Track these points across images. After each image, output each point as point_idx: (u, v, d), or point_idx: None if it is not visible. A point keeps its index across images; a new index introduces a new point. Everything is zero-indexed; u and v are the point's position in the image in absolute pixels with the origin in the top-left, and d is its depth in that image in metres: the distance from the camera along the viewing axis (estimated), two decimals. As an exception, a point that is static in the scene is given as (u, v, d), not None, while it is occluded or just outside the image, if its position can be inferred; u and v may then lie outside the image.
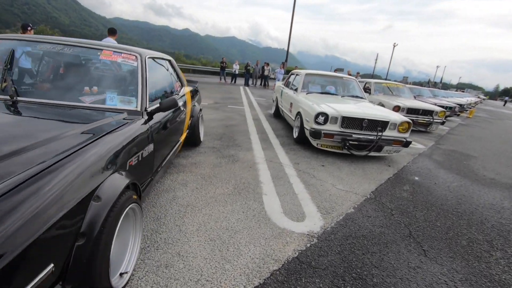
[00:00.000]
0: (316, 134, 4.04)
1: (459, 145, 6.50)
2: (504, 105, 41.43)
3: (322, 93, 5.49)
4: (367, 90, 9.17)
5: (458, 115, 12.28)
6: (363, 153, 4.17)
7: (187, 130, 3.46)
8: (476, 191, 3.54)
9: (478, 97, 36.57)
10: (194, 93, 3.85)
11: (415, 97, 10.22)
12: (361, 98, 5.51)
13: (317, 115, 4.09)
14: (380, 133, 4.13)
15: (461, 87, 73.23)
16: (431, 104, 11.28)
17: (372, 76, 47.73)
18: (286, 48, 23.89)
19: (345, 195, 2.93)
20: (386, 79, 35.59)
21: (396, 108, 7.45)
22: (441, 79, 46.94)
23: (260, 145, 4.44)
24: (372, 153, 4.26)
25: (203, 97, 10.42)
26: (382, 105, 7.72)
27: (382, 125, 4.19)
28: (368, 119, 4.12)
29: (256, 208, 2.43)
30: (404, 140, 4.21)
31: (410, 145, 5.48)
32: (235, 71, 19.04)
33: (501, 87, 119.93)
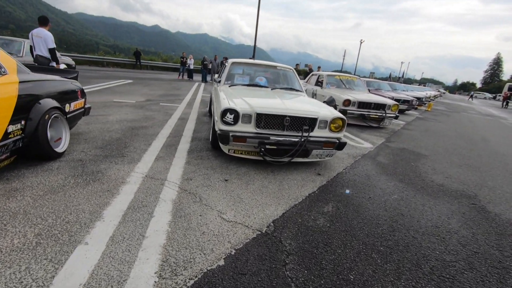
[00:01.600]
0: (223, 137, 3.05)
1: (411, 142, 5.87)
2: (470, 99, 41.65)
3: (249, 85, 4.53)
4: (319, 83, 8.43)
5: (416, 108, 12.01)
6: (284, 160, 3.26)
7: (18, 137, 2.33)
8: (418, 207, 2.74)
9: (438, 91, 38.06)
10: (33, 86, 2.66)
11: (370, 91, 9.65)
12: (297, 91, 4.63)
13: (223, 112, 3.10)
14: (306, 134, 3.23)
15: (424, 81, 76.79)
16: (386, 97, 10.86)
17: (341, 72, 48.25)
18: (258, 45, 23.03)
19: (227, 233, 1.95)
20: (354, 75, 35.94)
21: (347, 102, 6.72)
22: (403, 73, 48.63)
23: (157, 153, 3.38)
24: (298, 159, 3.36)
25: (140, 94, 9.14)
26: (332, 99, 6.99)
27: (310, 122, 3.29)
28: (290, 116, 3.20)
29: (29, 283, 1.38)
30: (337, 141, 3.35)
31: (357, 144, 4.66)
32: (188, 66, 17.72)
33: (459, 82, 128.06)
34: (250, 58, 21.04)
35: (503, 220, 2.63)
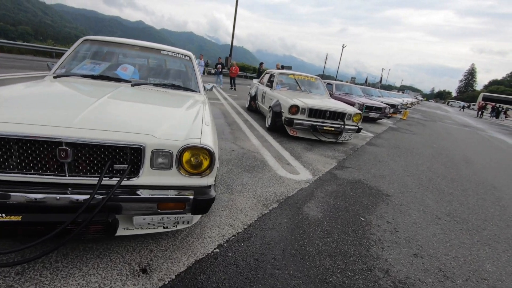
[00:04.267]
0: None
1: (373, 167, 4.24)
2: (462, 110, 41.39)
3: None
4: (270, 83, 6.73)
5: (389, 117, 10.61)
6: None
7: None
8: None
9: (416, 98, 37.81)
10: None
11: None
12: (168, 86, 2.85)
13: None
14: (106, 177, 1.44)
15: (403, 88, 77.90)
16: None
17: (322, 76, 47.36)
18: (244, 46, 21.89)
19: None
20: (335, 79, 34.71)
21: (294, 109, 5.02)
22: (381, 79, 48.28)
23: None
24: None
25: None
26: (278, 104, 5.31)
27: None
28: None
29: None
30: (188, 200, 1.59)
31: (289, 175, 2.94)
32: (147, 60, 15.62)
33: (436, 90, 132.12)
34: (226, 57, 19.34)
35: None
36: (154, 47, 3.08)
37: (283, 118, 5.15)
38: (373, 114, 9.42)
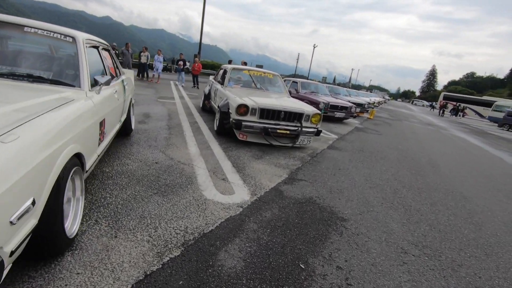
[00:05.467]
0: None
1: (331, 177, 3.58)
2: (431, 110, 39.33)
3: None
4: (222, 80, 5.92)
5: (355, 116, 10.24)
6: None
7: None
8: None
9: (383, 97, 38.97)
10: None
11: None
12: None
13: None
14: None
15: (371, 88, 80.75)
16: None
17: (294, 75, 47.31)
18: (218, 45, 20.71)
19: None
20: (308, 79, 34.47)
21: (242, 109, 4.25)
22: (350, 79, 49.49)
23: None
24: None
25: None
26: (226, 104, 4.53)
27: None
28: None
29: None
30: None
31: (220, 197, 2.08)
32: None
33: (401, 90, 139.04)
34: (195, 55, 18.24)
35: None
36: (14, 22, 2.12)
37: (230, 120, 4.36)
38: (338, 114, 8.94)
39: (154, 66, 14.18)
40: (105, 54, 3.07)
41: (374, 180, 3.74)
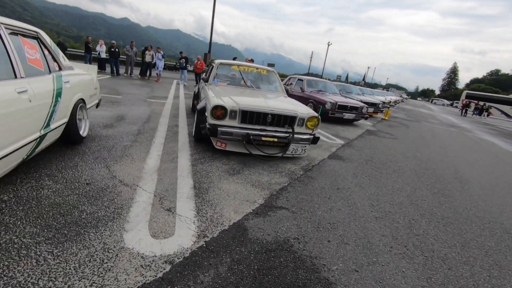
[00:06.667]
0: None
1: (324, 203, 2.72)
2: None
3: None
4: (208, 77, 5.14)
5: (367, 118, 9.21)
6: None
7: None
8: None
9: (401, 96, 37.09)
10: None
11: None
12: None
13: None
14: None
15: (388, 87, 77.75)
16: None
17: (308, 74, 46.05)
18: (232, 45, 20.65)
19: None
20: (322, 77, 33.17)
21: (219, 112, 3.45)
22: (364, 76, 47.35)
23: None
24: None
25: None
26: (204, 103, 3.75)
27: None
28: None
29: None
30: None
31: (149, 241, 1.39)
32: (99, 53, 13.72)
33: (420, 88, 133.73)
34: (205, 54, 17.61)
35: None
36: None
37: (206, 125, 3.57)
38: (348, 115, 7.97)
39: (155, 64, 13.69)
40: (28, 43, 2.37)
41: (382, 206, 2.85)
